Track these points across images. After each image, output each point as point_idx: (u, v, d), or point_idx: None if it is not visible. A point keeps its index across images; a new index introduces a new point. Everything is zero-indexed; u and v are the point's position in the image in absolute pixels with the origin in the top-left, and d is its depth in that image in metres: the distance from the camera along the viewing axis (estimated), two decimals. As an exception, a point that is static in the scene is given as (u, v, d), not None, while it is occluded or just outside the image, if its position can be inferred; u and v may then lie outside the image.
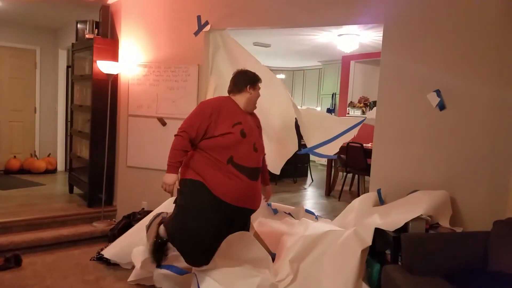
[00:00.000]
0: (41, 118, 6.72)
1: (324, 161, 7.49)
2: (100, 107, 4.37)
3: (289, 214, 3.79)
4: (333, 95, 8.65)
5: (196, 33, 4.07)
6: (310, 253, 2.88)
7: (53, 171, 6.48)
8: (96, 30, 4.59)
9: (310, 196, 6.13)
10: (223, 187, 2.46)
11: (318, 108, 9.14)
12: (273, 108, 3.85)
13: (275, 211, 3.73)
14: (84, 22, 4.76)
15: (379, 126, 3.33)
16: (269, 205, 3.74)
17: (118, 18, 4.57)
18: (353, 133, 3.50)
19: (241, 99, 2.68)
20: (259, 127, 2.79)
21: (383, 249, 2.88)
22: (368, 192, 3.35)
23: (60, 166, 6.66)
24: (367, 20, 3.45)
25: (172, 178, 2.52)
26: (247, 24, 3.98)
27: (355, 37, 5.84)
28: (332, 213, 4.43)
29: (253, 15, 3.89)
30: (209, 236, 2.48)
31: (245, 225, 2.74)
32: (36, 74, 6.63)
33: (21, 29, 6.34)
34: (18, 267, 3.33)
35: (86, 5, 4.77)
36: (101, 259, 3.48)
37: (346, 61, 8.03)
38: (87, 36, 4.58)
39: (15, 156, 6.39)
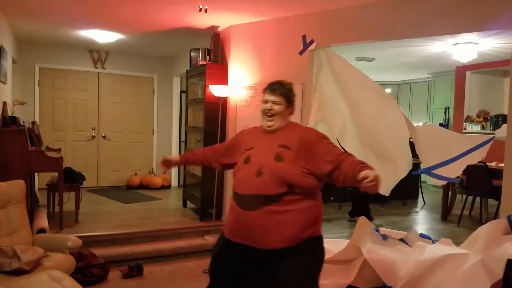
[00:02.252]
0: (158, 138, 7.37)
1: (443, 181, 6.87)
2: (212, 128, 4.62)
3: (401, 240, 3.49)
4: (446, 109, 7.97)
5: (301, 53, 4.09)
6: (426, 280, 2.61)
7: (168, 187, 7.03)
8: (208, 56, 4.90)
9: (423, 220, 5.64)
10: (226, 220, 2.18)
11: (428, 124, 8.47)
12: (382, 125, 3.64)
13: (384, 237, 3.45)
14: (197, 50, 5.13)
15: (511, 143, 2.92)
16: (377, 230, 3.48)
17: (227, 44, 4.83)
18: (481, 153, 3.09)
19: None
20: (291, 144, 2.04)
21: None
22: (494, 217, 2.94)
23: (174, 182, 7.20)
24: (491, 26, 3.11)
25: (171, 156, 2.52)
26: (352, 40, 3.90)
27: (473, 46, 5.33)
28: (451, 240, 3.99)
29: (359, 30, 3.81)
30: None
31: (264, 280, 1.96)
32: (154, 99, 7.32)
33: (141, 59, 7.08)
34: (140, 276, 3.61)
35: (198, 34, 5.14)
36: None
37: (461, 72, 7.37)
38: (200, 62, 4.92)
39: (136, 173, 7.07)
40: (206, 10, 3.21)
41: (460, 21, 3.25)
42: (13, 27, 5.22)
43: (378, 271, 2.98)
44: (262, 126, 2.17)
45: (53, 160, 3.96)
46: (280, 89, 2.13)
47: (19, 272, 2.53)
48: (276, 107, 2.10)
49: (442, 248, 2.80)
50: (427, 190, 7.54)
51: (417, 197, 6.92)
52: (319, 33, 3.99)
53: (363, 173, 1.74)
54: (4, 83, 4.43)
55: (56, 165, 3.99)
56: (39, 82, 6.44)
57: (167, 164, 2.44)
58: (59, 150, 4.82)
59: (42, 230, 3.42)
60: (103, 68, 6.88)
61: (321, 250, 2.02)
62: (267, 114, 2.11)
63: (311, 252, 1.95)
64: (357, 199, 5.38)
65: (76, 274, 2.97)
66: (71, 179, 4.46)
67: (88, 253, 3.50)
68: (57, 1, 4.02)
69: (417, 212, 6.19)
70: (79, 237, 3.13)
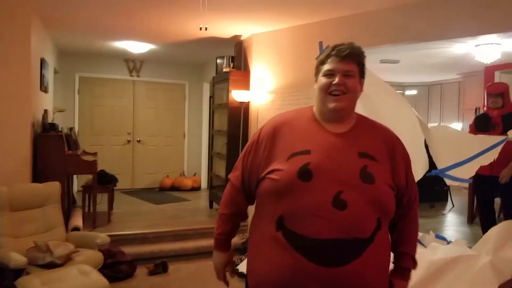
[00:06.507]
0: (189, 142, 7.68)
1: (466, 184, 6.65)
2: (235, 131, 4.81)
3: (417, 241, 3.47)
4: (477, 109, 7.76)
5: (318, 58, 4.16)
6: (436, 281, 2.63)
7: (198, 188, 7.30)
8: (232, 64, 5.11)
9: (450, 223, 5.54)
10: (258, 263, 1.33)
11: (460, 124, 8.32)
12: (399, 127, 3.62)
13: None
14: (222, 57, 5.36)
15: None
16: None
17: (249, 52, 5.02)
18: (493, 154, 3.08)
19: (315, 103, 1.43)
20: (376, 151, 1.32)
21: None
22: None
23: (204, 184, 7.45)
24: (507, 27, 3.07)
25: (216, 259, 1.57)
26: (369, 44, 3.93)
27: (496, 47, 5.24)
28: (475, 243, 3.95)
29: (375, 35, 3.87)
30: None
31: None
32: (185, 105, 7.62)
33: (173, 67, 7.40)
34: (165, 273, 3.82)
35: (224, 43, 5.36)
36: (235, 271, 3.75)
37: (489, 72, 7.19)
38: (224, 69, 5.14)
39: (168, 175, 7.38)
40: (206, 29, 3.45)
41: (480, 24, 3.24)
42: (55, 40, 5.65)
43: (390, 271, 3.01)
44: (317, 111, 1.39)
45: (87, 163, 4.28)
46: (353, 52, 1.35)
47: (52, 266, 2.80)
48: (349, 82, 1.32)
49: (455, 249, 2.81)
50: (458, 193, 7.34)
51: (446, 200, 6.77)
52: (335, 39, 3.97)
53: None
54: (45, 93, 4.83)
55: (90, 168, 4.30)
56: (79, 90, 6.90)
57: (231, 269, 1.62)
58: (95, 154, 5.16)
59: (76, 228, 3.73)
60: (138, 76, 7.25)
61: None
62: (333, 92, 1.31)
63: None
64: None
65: (105, 269, 3.22)
66: (105, 181, 4.78)
67: (117, 251, 3.76)
68: (94, 16, 4.36)
69: (444, 214, 6.07)
70: (111, 235, 3.40)
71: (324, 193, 1.21)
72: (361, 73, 1.38)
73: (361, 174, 1.24)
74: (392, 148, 1.36)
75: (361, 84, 1.39)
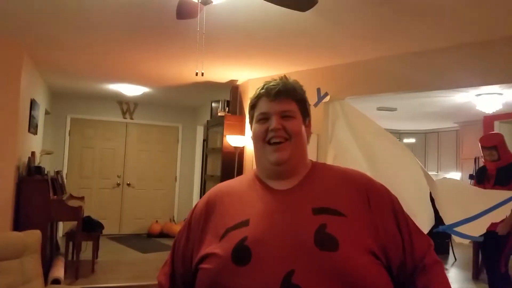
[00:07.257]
0: (180, 186, 7.46)
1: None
2: (228, 177, 4.59)
3: None
4: (476, 159, 7.68)
5: (315, 105, 4.11)
6: None
7: (188, 235, 6.96)
8: (227, 108, 5.05)
9: (453, 279, 5.23)
10: None
11: (458, 174, 8.15)
12: (400, 177, 3.52)
13: None
14: (217, 101, 5.31)
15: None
16: None
17: (245, 96, 4.97)
18: (505, 211, 2.92)
19: (254, 157, 1.13)
20: (341, 202, 0.98)
21: None
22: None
23: (194, 231, 7.15)
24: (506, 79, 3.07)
25: None
26: (366, 92, 3.95)
27: (497, 96, 5.25)
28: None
29: (374, 82, 3.85)
30: None
31: None
32: (178, 148, 7.49)
33: (167, 109, 7.35)
34: (150, 332, 3.51)
35: (220, 87, 5.34)
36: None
37: (488, 122, 7.16)
38: (219, 113, 5.06)
39: (157, 221, 7.09)
40: (202, 74, 3.41)
41: (482, 74, 3.22)
42: (47, 81, 5.59)
43: None
44: (258, 168, 1.09)
45: (72, 210, 4.06)
46: (287, 88, 1.06)
47: (25, 326, 2.52)
48: (290, 125, 1.04)
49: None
50: (460, 246, 7.05)
51: (448, 253, 6.46)
52: (333, 85, 4.04)
53: None
54: (34, 134, 4.68)
55: (75, 214, 4.08)
56: (70, 132, 6.75)
57: None
58: (82, 198, 4.94)
59: (56, 280, 3.45)
60: (131, 118, 7.16)
61: None
62: (272, 140, 1.03)
63: None
64: None
65: (84, 328, 2.93)
66: (90, 228, 4.52)
67: (99, 306, 3.47)
68: (88, 59, 4.32)
69: (447, 269, 5.79)
70: (91, 289, 3.13)
71: (269, 278, 0.86)
72: (304, 112, 1.08)
73: (317, 238, 0.88)
74: (366, 194, 1.00)
75: (307, 125, 1.09)
